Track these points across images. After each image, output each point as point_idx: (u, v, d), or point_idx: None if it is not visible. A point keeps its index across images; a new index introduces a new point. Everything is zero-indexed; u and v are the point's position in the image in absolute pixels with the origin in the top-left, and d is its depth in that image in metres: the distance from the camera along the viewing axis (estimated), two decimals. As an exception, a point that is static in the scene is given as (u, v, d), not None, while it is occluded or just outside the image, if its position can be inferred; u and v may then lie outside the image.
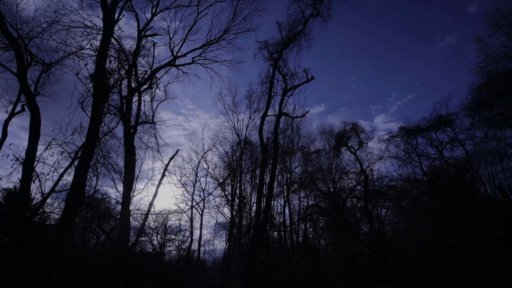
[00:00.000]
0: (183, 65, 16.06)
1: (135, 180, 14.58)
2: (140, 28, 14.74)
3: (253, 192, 24.69)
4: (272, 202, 21.77)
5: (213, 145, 28.12)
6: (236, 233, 23.66)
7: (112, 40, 12.45)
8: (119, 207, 14.93)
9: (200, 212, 26.87)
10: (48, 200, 11.19)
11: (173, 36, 15.43)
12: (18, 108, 11.01)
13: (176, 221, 28.33)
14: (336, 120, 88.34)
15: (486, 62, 18.48)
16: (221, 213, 26.56)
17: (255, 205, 20.68)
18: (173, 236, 27.64)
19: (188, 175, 27.44)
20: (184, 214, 26.94)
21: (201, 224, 26.60)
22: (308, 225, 25.37)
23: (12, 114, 10.88)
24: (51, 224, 13.55)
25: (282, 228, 23.21)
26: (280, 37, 19.07)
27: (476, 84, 19.21)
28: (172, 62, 15.49)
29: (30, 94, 9.95)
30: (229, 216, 25.13)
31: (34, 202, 14.20)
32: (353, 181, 24.70)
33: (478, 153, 21.66)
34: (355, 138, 24.99)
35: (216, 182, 26.77)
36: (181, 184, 26.97)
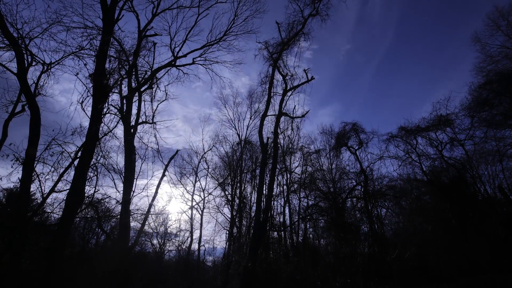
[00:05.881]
0: (183, 65, 16.05)
1: (135, 180, 14.55)
2: (141, 28, 14.74)
3: (253, 192, 24.71)
4: (272, 202, 21.78)
5: (213, 145, 28.15)
6: (236, 233, 23.66)
7: (112, 40, 12.47)
8: (119, 207, 14.90)
9: (200, 212, 26.90)
10: (48, 200, 11.20)
11: (174, 37, 15.43)
12: (18, 108, 11.05)
13: (176, 221, 28.33)
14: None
15: (485, 62, 18.57)
16: (221, 213, 26.59)
17: (255, 205, 20.70)
18: (173, 236, 27.68)
19: (188, 175, 27.50)
20: (184, 214, 27.02)
21: (201, 224, 26.62)
22: (308, 225, 25.37)
23: (12, 114, 10.90)
24: (51, 224, 13.54)
25: (282, 228, 23.21)
26: (280, 37, 19.11)
27: (475, 84, 19.31)
28: (173, 63, 15.49)
29: (30, 94, 9.94)
30: (229, 216, 25.16)
31: (34, 202, 14.20)
32: (353, 181, 24.77)
33: (478, 153, 21.71)
34: (355, 138, 25.07)
35: (216, 182, 26.80)
36: (181, 184, 27.03)
